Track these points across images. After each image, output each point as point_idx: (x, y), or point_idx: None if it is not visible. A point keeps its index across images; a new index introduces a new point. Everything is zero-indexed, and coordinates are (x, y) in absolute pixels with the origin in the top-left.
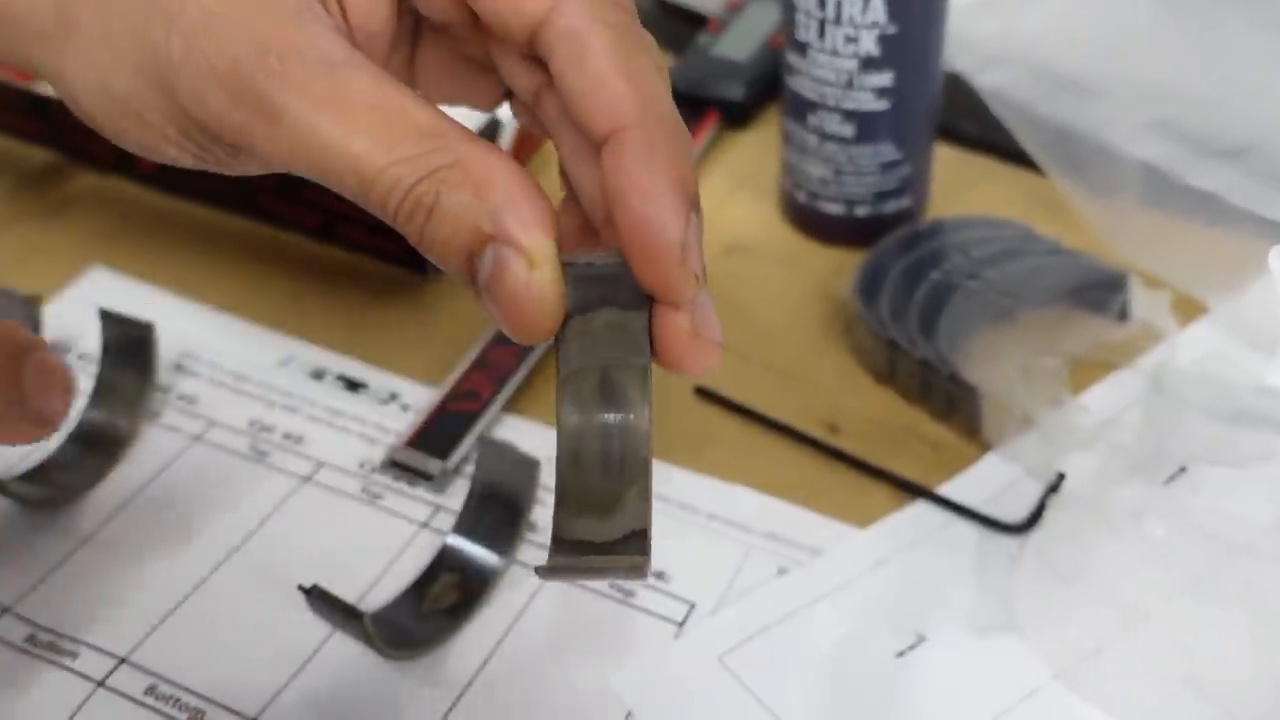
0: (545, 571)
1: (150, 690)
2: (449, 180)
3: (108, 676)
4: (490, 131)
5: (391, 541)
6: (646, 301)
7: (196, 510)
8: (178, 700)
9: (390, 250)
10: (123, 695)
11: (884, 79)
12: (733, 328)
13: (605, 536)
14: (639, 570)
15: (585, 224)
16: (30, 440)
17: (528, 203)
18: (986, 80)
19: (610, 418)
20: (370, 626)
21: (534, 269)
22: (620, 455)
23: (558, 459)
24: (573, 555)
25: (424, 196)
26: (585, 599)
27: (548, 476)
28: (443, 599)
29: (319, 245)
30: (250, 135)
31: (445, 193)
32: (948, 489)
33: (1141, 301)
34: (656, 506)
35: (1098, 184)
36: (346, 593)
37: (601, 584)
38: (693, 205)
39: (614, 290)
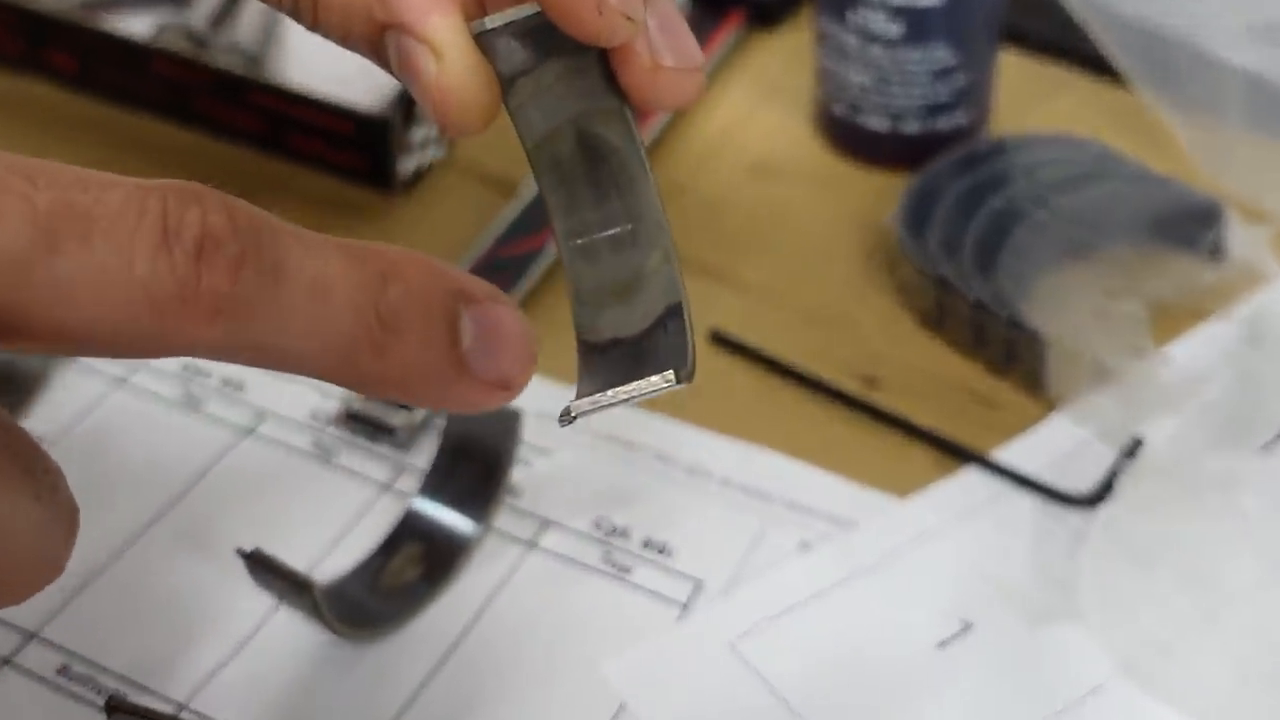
0: (566, 418)
1: (63, 670)
2: None
3: (15, 654)
4: None
5: (347, 506)
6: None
7: (119, 467)
8: (94, 682)
9: (350, 163)
10: (31, 675)
11: None
12: (756, 262)
13: (637, 325)
14: (682, 372)
15: None
16: (486, 406)
17: None
18: None
19: (601, 176)
20: (320, 599)
21: (440, 60)
22: (628, 219)
23: (560, 251)
24: (602, 375)
25: None
26: (574, 575)
27: (531, 433)
28: (406, 572)
29: (264, 157)
30: None
31: None
32: (1004, 454)
33: (1239, 238)
34: (658, 469)
35: (1191, 98)
36: (294, 564)
37: (594, 558)
38: None
39: (550, 38)
